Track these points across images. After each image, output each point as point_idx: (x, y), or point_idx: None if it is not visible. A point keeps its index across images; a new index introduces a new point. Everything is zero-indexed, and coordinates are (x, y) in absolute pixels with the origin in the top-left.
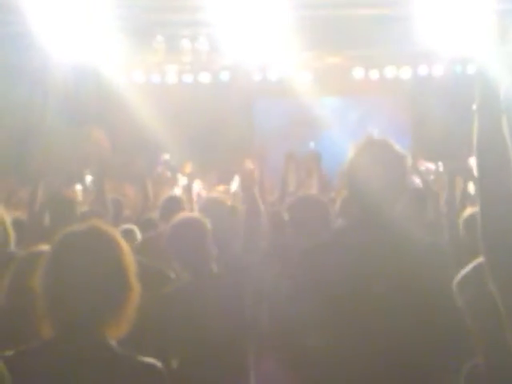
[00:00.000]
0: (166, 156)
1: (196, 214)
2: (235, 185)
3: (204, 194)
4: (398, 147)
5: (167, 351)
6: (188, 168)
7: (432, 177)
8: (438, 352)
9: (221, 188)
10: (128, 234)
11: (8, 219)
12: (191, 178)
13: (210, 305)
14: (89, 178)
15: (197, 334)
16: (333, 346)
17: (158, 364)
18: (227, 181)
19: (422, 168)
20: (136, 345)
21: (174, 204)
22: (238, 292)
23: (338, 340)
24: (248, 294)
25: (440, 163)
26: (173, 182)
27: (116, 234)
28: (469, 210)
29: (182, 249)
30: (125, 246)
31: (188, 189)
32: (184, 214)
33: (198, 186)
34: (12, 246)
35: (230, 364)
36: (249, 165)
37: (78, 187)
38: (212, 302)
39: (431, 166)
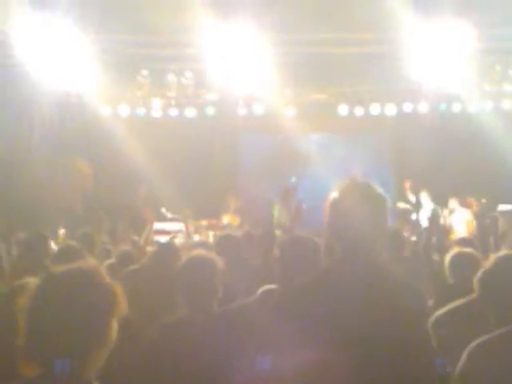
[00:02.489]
0: (143, 188)
1: (210, 252)
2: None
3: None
4: (380, 189)
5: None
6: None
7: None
8: None
9: (204, 223)
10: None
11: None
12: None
13: (198, 344)
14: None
15: (182, 371)
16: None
17: None
18: (211, 215)
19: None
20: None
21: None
22: (228, 336)
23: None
24: (240, 340)
25: (423, 200)
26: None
27: (101, 273)
28: (455, 250)
29: (188, 284)
30: (107, 285)
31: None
32: (198, 251)
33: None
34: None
35: None
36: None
37: (62, 231)
38: (201, 341)
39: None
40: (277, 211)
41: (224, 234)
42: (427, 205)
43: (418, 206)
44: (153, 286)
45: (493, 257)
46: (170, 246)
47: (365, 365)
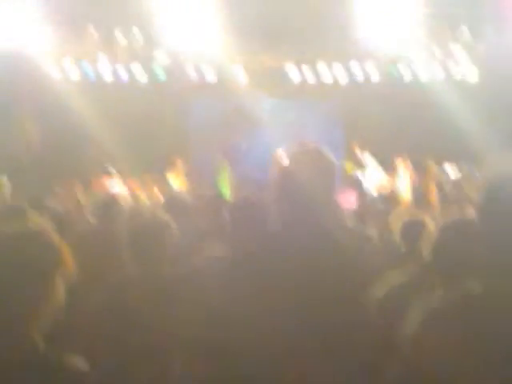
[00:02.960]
0: (93, 148)
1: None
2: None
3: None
4: (330, 155)
5: (96, 347)
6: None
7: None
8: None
9: (150, 177)
10: None
11: None
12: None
13: (141, 304)
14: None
15: (122, 333)
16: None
17: (83, 365)
18: (161, 180)
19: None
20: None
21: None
22: (171, 300)
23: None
24: (189, 303)
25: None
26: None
27: (47, 232)
28: (405, 217)
29: (140, 245)
30: (54, 244)
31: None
32: (150, 212)
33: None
34: None
35: (151, 371)
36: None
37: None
38: (143, 301)
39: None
40: (227, 174)
41: (172, 196)
42: (372, 167)
43: (364, 167)
44: (97, 244)
45: (441, 223)
46: (112, 201)
47: (313, 328)
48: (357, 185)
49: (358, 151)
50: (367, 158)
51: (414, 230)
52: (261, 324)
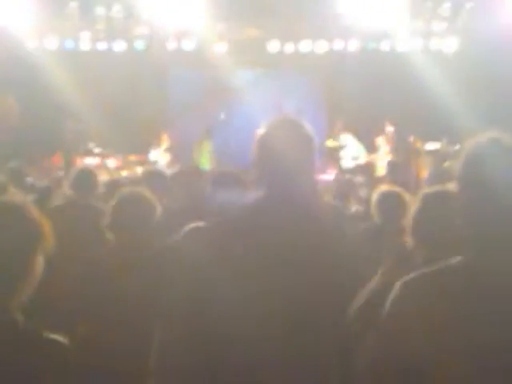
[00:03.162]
0: (71, 122)
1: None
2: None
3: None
4: (309, 128)
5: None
6: None
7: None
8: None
9: (132, 158)
10: None
11: None
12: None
13: (119, 274)
14: None
15: (99, 304)
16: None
17: (62, 339)
18: (140, 150)
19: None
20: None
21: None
22: (159, 271)
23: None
24: (170, 275)
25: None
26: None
27: (28, 207)
28: (382, 189)
29: (122, 220)
30: (34, 219)
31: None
32: (134, 188)
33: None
34: None
35: (134, 335)
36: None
37: None
38: (121, 272)
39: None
40: (208, 148)
41: (151, 170)
42: (352, 145)
43: (344, 146)
44: (76, 217)
45: (420, 195)
46: (89, 174)
47: (292, 304)
48: (337, 160)
49: (339, 125)
50: (347, 136)
51: (389, 200)
52: (241, 289)
